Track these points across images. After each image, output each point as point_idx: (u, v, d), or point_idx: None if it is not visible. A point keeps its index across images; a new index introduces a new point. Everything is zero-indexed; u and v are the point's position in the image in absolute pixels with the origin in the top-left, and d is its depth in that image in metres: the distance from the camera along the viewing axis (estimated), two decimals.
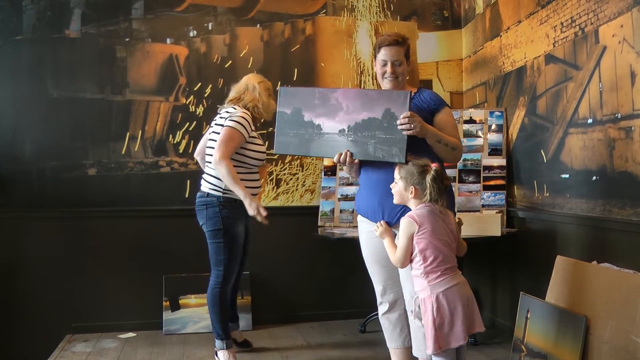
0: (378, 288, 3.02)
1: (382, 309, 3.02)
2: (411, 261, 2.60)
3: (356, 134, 2.81)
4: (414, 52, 4.97)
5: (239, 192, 3.41)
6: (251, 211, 3.40)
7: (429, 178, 2.55)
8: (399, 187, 2.64)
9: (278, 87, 3.08)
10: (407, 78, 2.99)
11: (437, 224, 2.56)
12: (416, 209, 2.60)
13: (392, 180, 2.69)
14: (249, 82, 3.74)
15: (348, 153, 2.81)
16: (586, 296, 3.10)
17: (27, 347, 4.22)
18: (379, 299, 3.03)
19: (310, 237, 4.52)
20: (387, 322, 3.00)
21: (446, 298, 2.49)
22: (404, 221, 2.59)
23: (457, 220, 2.76)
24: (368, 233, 2.94)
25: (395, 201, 2.68)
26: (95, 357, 3.87)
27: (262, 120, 3.86)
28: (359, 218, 3.00)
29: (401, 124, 2.68)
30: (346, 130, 2.84)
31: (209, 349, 3.99)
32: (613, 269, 3.05)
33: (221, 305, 3.59)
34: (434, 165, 2.58)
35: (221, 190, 3.52)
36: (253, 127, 3.64)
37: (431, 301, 2.50)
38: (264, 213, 3.38)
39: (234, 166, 3.48)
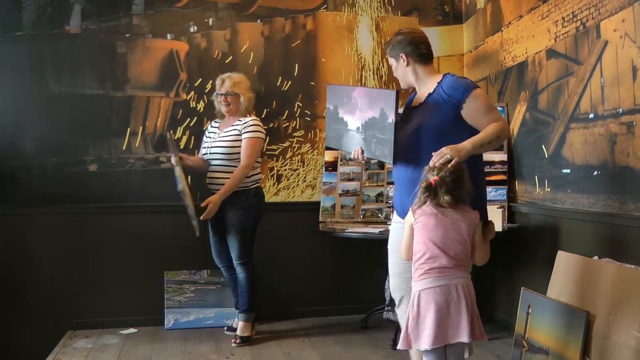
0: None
1: (397, 303, 2.95)
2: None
3: (365, 132, 2.86)
4: None
5: None
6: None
7: (420, 191, 2.52)
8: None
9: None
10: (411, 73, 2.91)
11: (434, 222, 2.50)
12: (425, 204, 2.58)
13: (414, 179, 2.63)
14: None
15: (359, 150, 2.87)
16: (587, 291, 3.09)
17: (28, 343, 4.22)
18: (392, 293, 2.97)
19: (311, 233, 4.52)
20: (400, 318, 2.93)
21: (421, 298, 2.46)
22: (407, 214, 2.60)
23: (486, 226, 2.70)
24: (395, 224, 2.92)
25: None
26: (97, 353, 3.88)
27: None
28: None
29: (435, 163, 2.55)
30: (360, 127, 2.89)
31: (210, 345, 4.00)
32: (614, 264, 3.04)
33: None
34: (433, 180, 2.50)
35: None
36: (210, 130, 4.23)
37: (410, 298, 2.51)
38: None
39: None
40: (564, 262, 3.37)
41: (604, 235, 3.32)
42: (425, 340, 2.42)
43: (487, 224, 2.73)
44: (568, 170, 3.67)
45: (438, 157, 2.52)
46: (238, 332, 4.05)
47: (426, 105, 2.77)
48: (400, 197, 2.81)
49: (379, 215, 4.51)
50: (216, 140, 4.06)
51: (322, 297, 4.74)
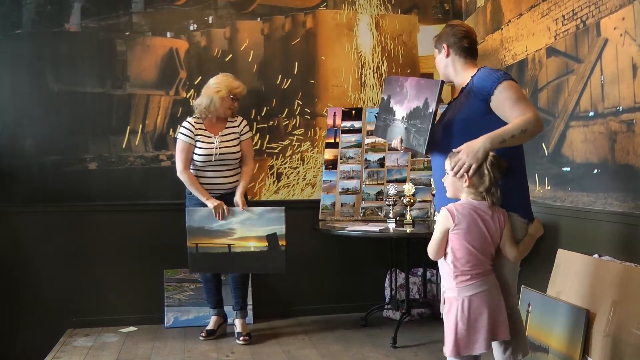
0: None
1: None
2: (445, 256, 2.51)
3: (408, 122, 2.85)
4: (414, 45, 4.97)
5: (199, 197, 3.96)
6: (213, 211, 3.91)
7: (486, 163, 2.44)
8: (449, 179, 2.52)
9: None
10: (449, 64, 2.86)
11: (474, 226, 2.44)
12: (460, 202, 2.49)
13: (444, 174, 2.58)
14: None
15: (399, 139, 2.85)
16: (587, 289, 3.09)
17: (28, 341, 4.23)
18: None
19: (311, 231, 4.52)
20: None
21: (472, 303, 2.40)
22: (442, 212, 2.49)
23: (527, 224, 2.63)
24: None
25: (448, 195, 2.55)
26: (97, 351, 3.88)
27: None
28: None
29: (455, 172, 2.52)
30: (404, 117, 2.88)
31: (210, 344, 4.00)
32: (614, 262, 3.04)
33: (203, 281, 4.22)
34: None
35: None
36: (197, 132, 4.01)
37: (457, 304, 2.41)
38: (221, 214, 3.89)
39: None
40: (564, 261, 3.37)
41: (604, 234, 3.32)
42: (480, 344, 2.39)
43: (532, 221, 2.68)
44: (568, 169, 3.66)
45: (453, 164, 2.50)
46: (242, 330, 4.03)
47: (459, 100, 2.74)
48: (440, 196, 2.75)
49: (379, 213, 4.50)
50: (222, 145, 4.02)
51: (322, 295, 4.74)
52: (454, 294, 2.44)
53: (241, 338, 3.98)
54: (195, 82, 4.63)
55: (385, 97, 3.06)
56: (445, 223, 2.47)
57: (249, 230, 3.86)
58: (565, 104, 3.66)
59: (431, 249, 2.54)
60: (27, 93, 4.38)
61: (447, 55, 2.83)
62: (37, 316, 4.31)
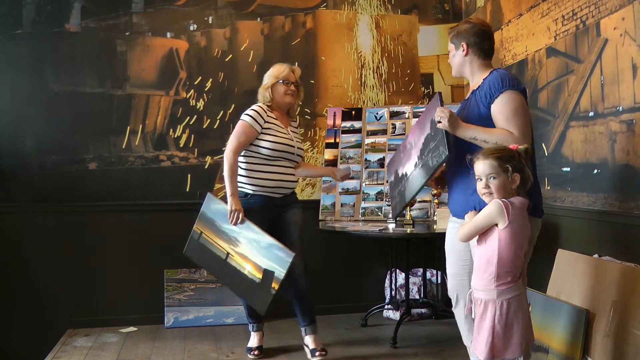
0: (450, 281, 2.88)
1: (453, 303, 2.86)
2: (478, 253, 2.45)
3: (422, 157, 2.77)
4: (414, 45, 4.97)
5: (227, 188, 3.45)
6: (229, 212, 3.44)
7: (523, 159, 2.38)
8: (500, 182, 2.36)
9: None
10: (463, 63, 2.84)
11: (524, 227, 2.38)
12: (514, 199, 2.37)
13: (459, 175, 2.56)
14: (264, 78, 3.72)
15: (432, 185, 2.92)
16: (587, 290, 3.09)
17: (28, 341, 4.22)
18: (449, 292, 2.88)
19: (311, 231, 4.51)
20: (457, 318, 2.84)
21: (510, 306, 2.35)
22: (496, 205, 2.35)
23: None
24: (452, 224, 2.82)
25: (498, 198, 2.39)
26: (97, 351, 3.88)
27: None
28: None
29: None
30: (417, 160, 2.81)
31: (210, 344, 3.99)
32: (614, 262, 3.04)
33: None
34: (516, 147, 2.41)
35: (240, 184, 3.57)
36: (267, 119, 3.57)
37: (495, 306, 2.36)
38: (235, 219, 3.42)
39: (247, 157, 3.55)
40: (564, 261, 3.38)
41: (604, 234, 3.32)
42: (514, 348, 2.35)
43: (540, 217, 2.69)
44: (568, 169, 3.66)
45: (440, 113, 2.53)
46: (316, 345, 3.64)
47: (469, 101, 2.73)
48: (450, 195, 2.75)
49: (379, 213, 4.50)
50: (297, 140, 3.75)
51: (322, 295, 4.71)
52: (491, 296, 2.37)
53: (317, 354, 3.60)
54: (195, 82, 4.63)
55: (392, 178, 3.08)
56: (496, 218, 2.36)
57: (252, 252, 3.41)
58: (565, 104, 3.67)
59: (467, 233, 2.45)
60: (27, 93, 4.38)
61: (466, 54, 2.79)
62: (37, 316, 4.31)
